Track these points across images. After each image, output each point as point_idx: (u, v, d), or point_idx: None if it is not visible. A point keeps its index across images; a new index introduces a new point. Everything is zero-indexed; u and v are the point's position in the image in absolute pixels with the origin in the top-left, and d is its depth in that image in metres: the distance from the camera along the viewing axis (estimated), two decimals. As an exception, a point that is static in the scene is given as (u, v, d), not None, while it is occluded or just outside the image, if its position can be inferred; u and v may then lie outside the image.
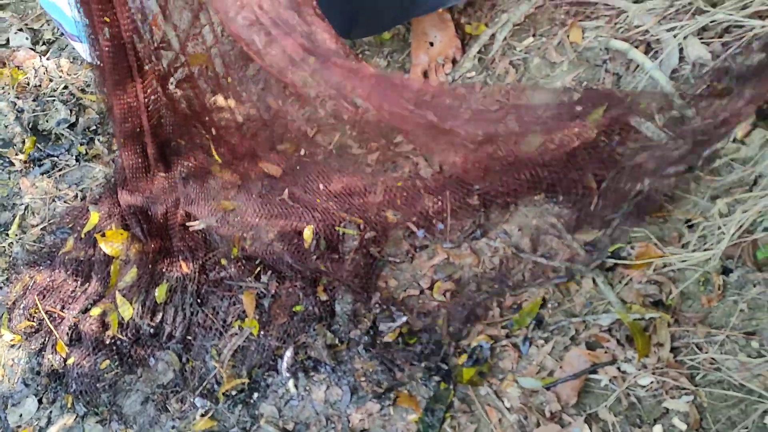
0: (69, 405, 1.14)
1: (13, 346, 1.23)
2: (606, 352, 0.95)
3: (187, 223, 1.20)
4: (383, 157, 1.26)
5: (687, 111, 0.97)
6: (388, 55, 1.39)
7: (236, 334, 1.11)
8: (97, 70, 1.08)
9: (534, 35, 1.24)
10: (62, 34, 1.46)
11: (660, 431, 0.88)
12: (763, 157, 0.88)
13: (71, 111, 1.43)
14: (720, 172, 0.94)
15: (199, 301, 1.16)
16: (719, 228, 0.83)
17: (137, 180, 1.27)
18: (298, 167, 1.28)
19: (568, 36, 1.19)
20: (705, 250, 0.88)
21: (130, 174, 1.25)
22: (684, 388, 0.87)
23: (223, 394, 1.06)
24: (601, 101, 1.03)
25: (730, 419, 0.83)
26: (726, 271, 0.91)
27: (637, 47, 1.08)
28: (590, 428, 0.91)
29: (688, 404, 0.86)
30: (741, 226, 0.86)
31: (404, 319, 1.05)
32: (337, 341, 1.07)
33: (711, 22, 0.99)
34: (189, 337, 1.14)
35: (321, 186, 1.22)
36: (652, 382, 0.89)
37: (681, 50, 1.03)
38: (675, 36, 1.03)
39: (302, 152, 1.27)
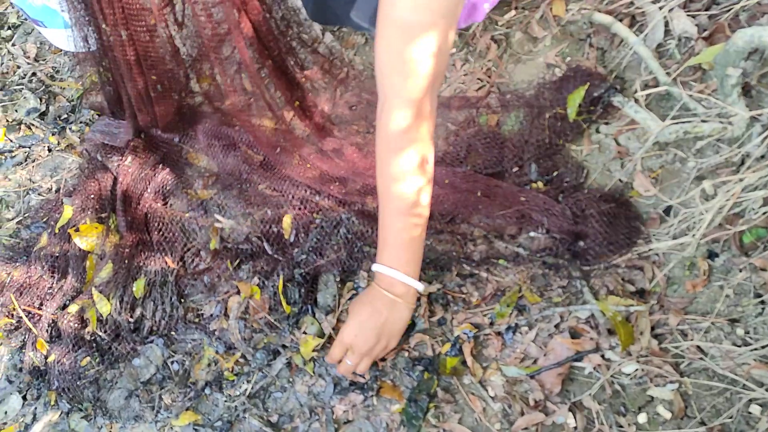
0: (53, 402, 1.13)
1: (-6, 343, 1.21)
2: (591, 339, 0.93)
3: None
4: (363, 141, 1.22)
5: (673, 88, 0.93)
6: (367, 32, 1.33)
7: (221, 321, 1.10)
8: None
9: (516, 8, 1.19)
10: (26, 18, 1.40)
11: (644, 419, 0.86)
12: (749, 138, 0.84)
13: (41, 99, 1.38)
14: (706, 152, 0.91)
15: (179, 294, 1.14)
16: (701, 213, 0.80)
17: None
18: (277, 152, 1.24)
19: (551, 9, 1.14)
20: (687, 233, 0.85)
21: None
22: (669, 377, 0.86)
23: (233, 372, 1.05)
24: (584, 80, 0.99)
25: (715, 408, 0.82)
26: (712, 256, 0.88)
27: (621, 21, 1.03)
28: (574, 416, 0.90)
29: (673, 392, 0.85)
30: (724, 209, 0.83)
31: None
32: (321, 332, 1.06)
33: (698, -7, 0.94)
34: (172, 333, 1.13)
35: (300, 172, 1.19)
36: (636, 370, 0.88)
37: (666, 24, 0.98)
38: (660, 8, 0.98)
39: (281, 139, 1.23)
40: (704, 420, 0.82)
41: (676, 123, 0.89)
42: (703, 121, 0.88)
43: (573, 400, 0.91)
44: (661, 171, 0.94)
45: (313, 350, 1.03)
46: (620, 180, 0.97)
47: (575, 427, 0.89)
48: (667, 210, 0.92)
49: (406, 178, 0.81)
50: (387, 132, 0.79)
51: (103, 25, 1.03)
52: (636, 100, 0.96)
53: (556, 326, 0.96)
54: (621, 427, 0.87)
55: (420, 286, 0.92)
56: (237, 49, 1.11)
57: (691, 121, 0.89)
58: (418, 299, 1.00)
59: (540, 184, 1.03)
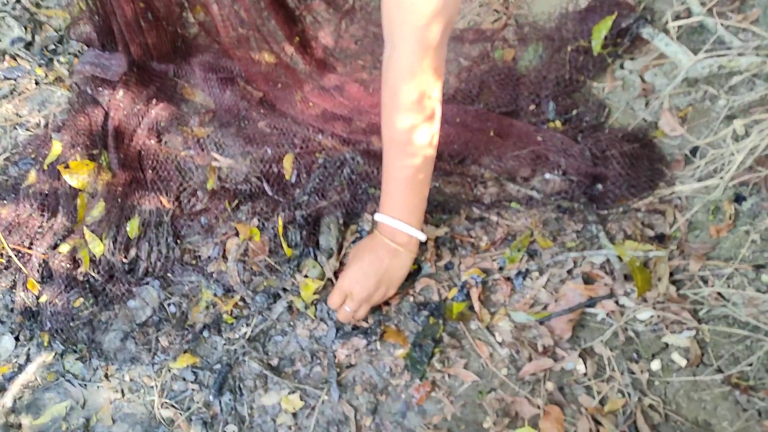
0: (46, 343, 1.10)
1: (-16, 282, 1.17)
2: (606, 285, 0.90)
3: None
4: (369, 77, 1.15)
5: (708, 19, 0.86)
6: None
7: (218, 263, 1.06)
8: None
9: (536, -66, 1.10)
10: (7, -61, 1.30)
11: (658, 366, 0.84)
12: (789, 72, 0.78)
13: (26, 28, 1.29)
14: (739, 89, 0.85)
15: (175, 235, 1.09)
16: (731, 154, 0.75)
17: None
18: (278, 88, 1.18)
19: (574, -66, 1.05)
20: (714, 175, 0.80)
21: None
22: (686, 323, 0.82)
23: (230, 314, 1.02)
24: (611, 10, 0.92)
25: (734, 356, 0.79)
26: (739, 199, 0.84)
27: (652, -55, 0.95)
28: (584, 362, 0.87)
29: (690, 339, 0.82)
30: (757, 150, 0.78)
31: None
32: (322, 275, 1.02)
33: None
34: (168, 274, 1.08)
35: (302, 109, 1.13)
36: (651, 317, 0.85)
37: (703, -52, 0.91)
38: (697, -69, 0.90)
39: (282, 74, 1.16)
40: (721, 367, 0.79)
41: (710, 56, 0.83)
42: (740, 54, 0.82)
43: (584, 346, 0.88)
44: (689, 110, 0.88)
45: (315, 294, 0.99)
46: (644, 119, 0.92)
47: (585, 374, 0.86)
48: (693, 151, 0.87)
49: (413, 129, 0.77)
50: (394, 83, 0.74)
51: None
52: (666, 32, 0.90)
53: (569, 272, 0.92)
54: (633, 373, 0.84)
55: (422, 236, 0.90)
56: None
57: (727, 54, 0.83)
58: (422, 245, 0.96)
59: (558, 123, 0.97)
